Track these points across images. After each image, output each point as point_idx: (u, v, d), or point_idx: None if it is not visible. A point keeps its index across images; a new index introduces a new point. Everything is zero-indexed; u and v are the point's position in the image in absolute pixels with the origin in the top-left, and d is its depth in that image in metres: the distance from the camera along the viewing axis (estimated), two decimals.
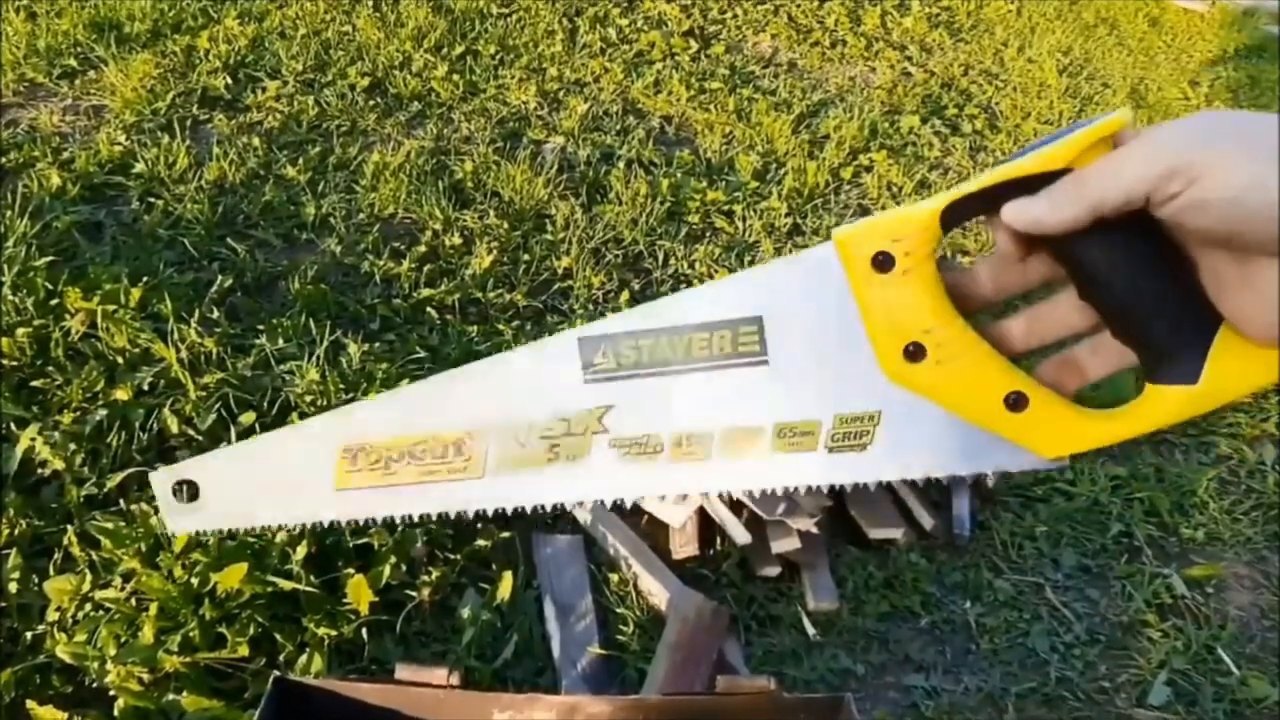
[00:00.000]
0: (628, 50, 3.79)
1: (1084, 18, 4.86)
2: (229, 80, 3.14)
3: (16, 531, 1.57)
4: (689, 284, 2.61)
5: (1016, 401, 0.58)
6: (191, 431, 1.79)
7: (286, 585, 1.50)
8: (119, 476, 1.67)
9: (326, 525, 0.70)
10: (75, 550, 1.55)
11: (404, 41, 3.50)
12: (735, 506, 1.81)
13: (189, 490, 0.69)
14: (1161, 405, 0.55)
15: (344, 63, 3.34)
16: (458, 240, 2.58)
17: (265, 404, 1.87)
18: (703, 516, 1.84)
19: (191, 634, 1.43)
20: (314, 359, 1.99)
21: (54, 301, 2.00)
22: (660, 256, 2.69)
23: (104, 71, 3.06)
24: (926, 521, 1.93)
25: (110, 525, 1.56)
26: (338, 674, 1.49)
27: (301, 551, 1.55)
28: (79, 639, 1.42)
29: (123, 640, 1.42)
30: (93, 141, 2.75)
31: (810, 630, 1.76)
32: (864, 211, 3.03)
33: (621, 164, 3.02)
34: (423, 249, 2.52)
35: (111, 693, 1.35)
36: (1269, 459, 2.27)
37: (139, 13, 3.39)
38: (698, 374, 0.61)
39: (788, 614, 1.78)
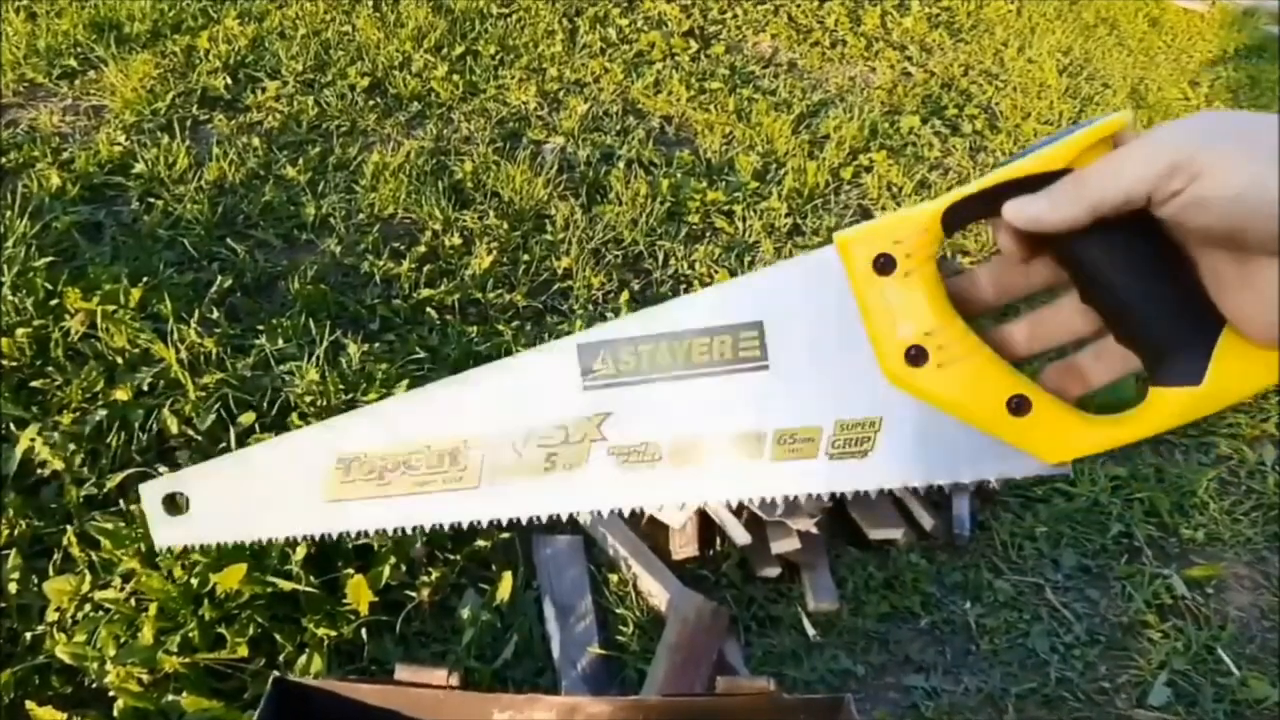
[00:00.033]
0: (628, 50, 3.79)
1: (1084, 18, 4.86)
2: (229, 80, 3.14)
3: (16, 532, 1.57)
4: (689, 284, 2.61)
5: (1019, 405, 0.57)
6: (191, 432, 1.79)
7: (286, 586, 1.50)
8: (119, 477, 1.67)
9: (318, 538, 0.69)
10: (75, 551, 1.55)
11: (404, 42, 3.50)
12: (735, 507, 1.81)
13: (179, 502, 0.68)
14: (1165, 408, 0.55)
15: (344, 63, 3.34)
16: (457, 240, 2.58)
17: (265, 404, 1.87)
18: (702, 517, 1.84)
19: (191, 634, 1.43)
20: (314, 359, 1.99)
21: (54, 302, 1.99)
22: (660, 257, 2.68)
23: (104, 71, 3.06)
24: (926, 522, 1.93)
25: (110, 526, 1.56)
26: (337, 674, 1.49)
27: (301, 552, 1.55)
28: (78, 639, 1.42)
29: (122, 641, 1.42)
30: (92, 142, 2.74)
31: (810, 631, 1.76)
32: (864, 211, 3.03)
33: (621, 164, 3.02)
34: (422, 249, 2.52)
35: (111, 693, 1.35)
36: (1269, 459, 2.27)
37: (139, 13, 3.39)
38: (698, 380, 0.61)
39: (788, 615, 1.79)
